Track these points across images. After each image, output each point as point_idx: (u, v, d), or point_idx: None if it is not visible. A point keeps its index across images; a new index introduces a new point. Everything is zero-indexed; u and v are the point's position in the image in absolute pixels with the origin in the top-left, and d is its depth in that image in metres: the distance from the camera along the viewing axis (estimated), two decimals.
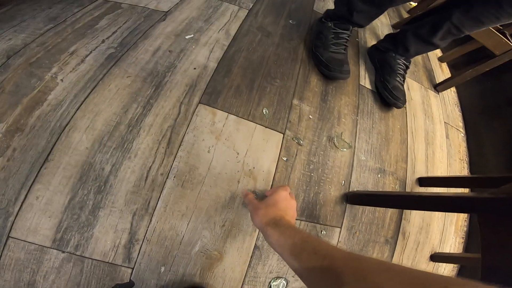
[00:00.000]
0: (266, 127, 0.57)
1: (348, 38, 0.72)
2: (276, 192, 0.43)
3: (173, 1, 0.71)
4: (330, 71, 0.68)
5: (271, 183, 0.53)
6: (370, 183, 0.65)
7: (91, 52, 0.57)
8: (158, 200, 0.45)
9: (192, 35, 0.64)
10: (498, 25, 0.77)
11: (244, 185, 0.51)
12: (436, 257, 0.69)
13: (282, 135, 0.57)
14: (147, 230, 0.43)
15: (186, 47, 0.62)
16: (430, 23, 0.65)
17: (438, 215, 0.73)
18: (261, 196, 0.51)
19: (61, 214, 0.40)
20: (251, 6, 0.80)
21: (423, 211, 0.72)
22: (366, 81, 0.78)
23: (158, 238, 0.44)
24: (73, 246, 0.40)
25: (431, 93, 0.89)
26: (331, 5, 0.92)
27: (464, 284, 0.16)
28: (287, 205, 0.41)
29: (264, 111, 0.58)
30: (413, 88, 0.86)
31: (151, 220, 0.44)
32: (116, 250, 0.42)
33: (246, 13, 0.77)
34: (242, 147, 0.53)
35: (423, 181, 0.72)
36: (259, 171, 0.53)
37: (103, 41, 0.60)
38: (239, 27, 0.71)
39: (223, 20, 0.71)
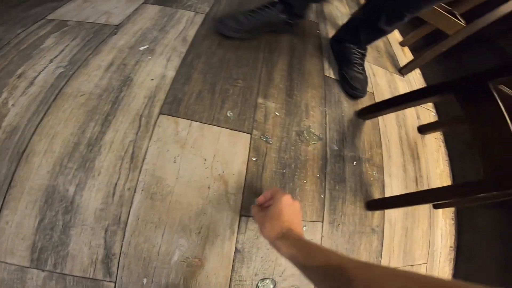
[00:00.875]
0: (232, 130, 0.62)
1: (263, 8, 0.78)
2: (278, 200, 0.45)
3: (125, 14, 0.76)
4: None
5: (243, 185, 0.58)
6: (346, 173, 0.72)
7: (39, 74, 0.60)
8: (128, 214, 0.49)
9: (147, 46, 0.70)
10: (445, 5, 0.91)
11: (215, 190, 0.56)
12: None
13: (249, 135, 0.63)
14: (122, 244, 0.47)
15: (141, 59, 0.67)
16: (375, 8, 0.75)
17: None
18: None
19: (33, 236, 0.45)
20: (207, 10, 0.87)
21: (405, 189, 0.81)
22: (330, 72, 0.87)
23: (135, 251, 0.48)
24: (52, 265, 0.44)
25: (397, 76, 1.00)
26: None
27: (464, 285, 0.20)
28: (291, 211, 0.45)
29: (228, 113, 0.64)
30: (379, 74, 0.96)
31: (124, 234, 0.48)
32: (95, 266, 0.46)
33: (203, 18, 0.83)
34: (209, 152, 0.58)
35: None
36: (229, 174, 0.58)
37: (51, 61, 0.63)
38: (196, 32, 0.78)
39: (179, 27, 0.78)
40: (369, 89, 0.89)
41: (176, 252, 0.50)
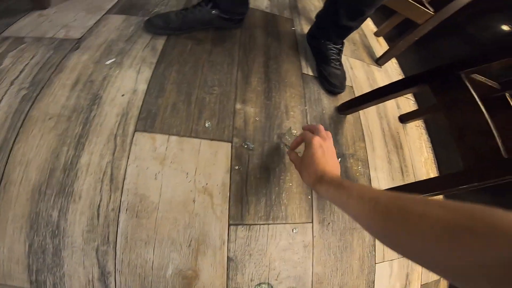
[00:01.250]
0: (211, 140, 0.67)
1: (196, 6, 0.84)
2: (308, 145, 0.53)
3: (86, 26, 0.78)
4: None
5: (228, 195, 0.63)
6: None
7: (2, 98, 0.62)
8: (116, 234, 0.54)
9: (113, 59, 0.73)
10: None
11: (200, 203, 0.60)
12: None
13: (230, 144, 0.69)
14: (115, 262, 0.52)
15: (109, 74, 0.70)
16: (332, 5, 0.82)
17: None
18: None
19: (27, 259, 0.49)
20: None
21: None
22: (308, 69, 0.94)
23: (129, 268, 0.53)
24: (51, 285, 0.49)
25: (374, 68, 1.09)
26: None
27: (485, 209, 0.24)
28: (323, 152, 0.52)
29: (206, 124, 0.69)
30: (356, 67, 1.05)
31: (116, 253, 0.53)
32: (93, 285, 0.50)
33: None
34: (190, 166, 0.63)
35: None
36: (213, 186, 0.63)
37: (12, 83, 0.65)
38: (166, 40, 0.82)
39: (147, 37, 0.81)
40: (348, 82, 0.97)
41: (170, 265, 0.55)
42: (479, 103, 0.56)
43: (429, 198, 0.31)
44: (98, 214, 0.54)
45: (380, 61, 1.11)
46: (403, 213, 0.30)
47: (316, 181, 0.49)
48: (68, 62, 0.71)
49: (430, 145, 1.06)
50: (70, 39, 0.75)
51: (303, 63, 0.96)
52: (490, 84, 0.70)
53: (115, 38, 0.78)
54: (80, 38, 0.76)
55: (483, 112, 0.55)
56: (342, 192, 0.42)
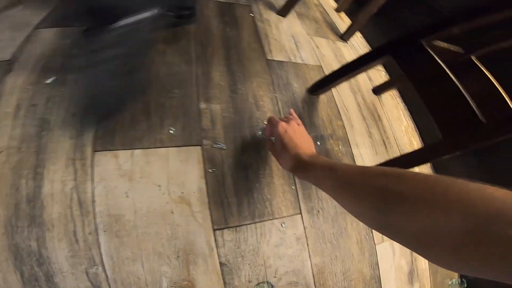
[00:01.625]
0: (179, 147, 0.71)
1: None
2: (276, 134, 0.61)
3: (14, 45, 0.77)
4: None
5: (207, 200, 0.67)
6: None
7: None
8: (101, 256, 0.57)
9: (54, 77, 0.73)
10: None
11: (179, 213, 0.64)
12: None
13: (199, 147, 0.72)
14: (109, 283, 0.56)
15: (52, 94, 0.70)
16: None
17: None
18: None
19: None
20: None
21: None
22: (273, 55, 1.00)
23: (123, 286, 0.56)
24: None
25: (340, 44, 1.17)
26: None
27: (440, 179, 0.28)
28: (291, 136, 0.59)
29: (170, 130, 0.72)
30: (322, 45, 1.12)
31: (106, 274, 0.56)
32: None
33: None
34: (161, 178, 0.66)
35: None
36: (189, 194, 0.67)
37: None
38: None
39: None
40: (316, 62, 1.04)
41: (163, 279, 0.59)
42: (446, 69, 0.61)
43: (388, 169, 0.36)
44: (77, 239, 0.57)
45: (345, 36, 1.19)
46: (366, 188, 0.37)
47: (293, 167, 0.56)
48: (3, 87, 0.70)
49: (408, 113, 1.16)
50: (0, 62, 0.75)
51: (267, 49, 1.00)
52: (453, 49, 0.77)
53: (51, 53, 0.78)
54: (10, 59, 0.75)
55: (451, 78, 0.59)
56: (316, 173, 0.49)
